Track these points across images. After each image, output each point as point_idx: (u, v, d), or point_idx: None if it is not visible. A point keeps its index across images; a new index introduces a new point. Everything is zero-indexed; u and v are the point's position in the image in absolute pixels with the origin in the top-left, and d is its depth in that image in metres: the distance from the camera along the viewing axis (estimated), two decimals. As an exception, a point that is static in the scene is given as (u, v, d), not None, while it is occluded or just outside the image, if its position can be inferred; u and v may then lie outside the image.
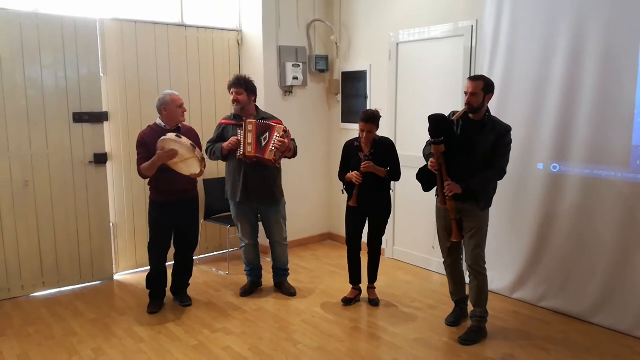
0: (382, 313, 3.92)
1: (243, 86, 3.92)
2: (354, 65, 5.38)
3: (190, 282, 4.17)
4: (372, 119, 3.73)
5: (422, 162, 3.46)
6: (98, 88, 4.42)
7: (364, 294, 4.13)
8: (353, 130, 5.10)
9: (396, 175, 3.86)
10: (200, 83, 5.08)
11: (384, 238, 4.05)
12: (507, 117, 3.57)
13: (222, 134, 4.04)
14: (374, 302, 4.04)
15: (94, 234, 4.49)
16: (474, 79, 3.26)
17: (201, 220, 4.55)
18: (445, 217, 3.44)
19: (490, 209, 3.41)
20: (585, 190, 3.63)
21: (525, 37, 3.85)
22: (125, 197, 4.71)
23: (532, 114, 3.85)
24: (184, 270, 4.08)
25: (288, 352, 3.31)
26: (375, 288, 4.12)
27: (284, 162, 4.05)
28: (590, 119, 3.55)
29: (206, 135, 4.40)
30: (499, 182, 3.40)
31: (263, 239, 4.40)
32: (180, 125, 3.81)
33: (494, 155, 3.25)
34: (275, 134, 3.81)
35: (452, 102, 4.21)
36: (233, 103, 3.96)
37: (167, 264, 3.97)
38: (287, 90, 5.32)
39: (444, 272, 3.74)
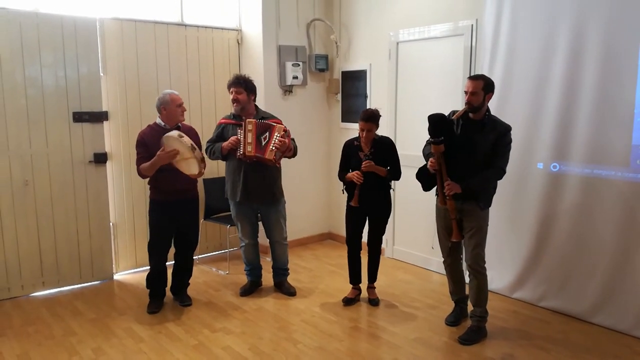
0: (382, 313, 3.92)
1: (242, 85, 3.92)
2: (354, 64, 5.38)
3: (190, 281, 4.17)
4: (371, 118, 3.72)
5: (422, 162, 3.45)
6: (98, 87, 4.41)
7: (364, 293, 4.13)
8: (353, 129, 5.10)
9: (396, 174, 3.86)
10: (200, 82, 5.08)
11: (383, 237, 4.05)
12: (507, 117, 3.57)
13: (221, 133, 4.04)
14: (373, 301, 4.04)
15: (93, 234, 4.49)
16: (474, 78, 3.26)
17: (201, 220, 4.55)
18: (445, 216, 3.44)
19: (490, 208, 3.40)
20: (585, 189, 3.62)
21: (525, 37, 3.85)
22: (125, 196, 4.70)
23: (532, 114, 3.85)
24: (184, 269, 4.08)
25: (288, 352, 3.31)
26: (375, 288, 4.12)
27: (284, 162, 4.05)
28: (590, 119, 3.55)
29: (206, 134, 4.40)
30: (498, 182, 3.40)
31: (263, 239, 4.39)
32: (180, 124, 3.81)
33: (494, 154, 3.25)
34: (276, 134, 3.81)
35: (452, 102, 4.21)
36: (233, 102, 3.96)
37: (167, 263, 3.97)
38: (287, 90, 5.31)
39: (444, 272, 3.74)
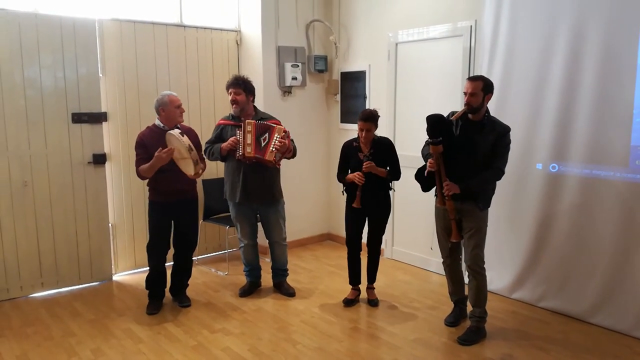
0: (382, 313, 3.92)
1: (241, 86, 3.92)
2: (353, 65, 5.38)
3: (189, 282, 4.17)
4: (370, 117, 3.73)
5: (421, 162, 3.46)
6: (97, 88, 4.41)
7: (363, 294, 4.13)
8: (352, 130, 5.10)
9: (396, 175, 3.86)
10: (199, 83, 5.08)
11: (383, 238, 4.05)
12: (506, 117, 3.57)
13: (220, 134, 4.04)
14: (373, 302, 4.04)
15: (92, 235, 4.49)
16: (473, 79, 3.26)
17: (200, 221, 4.55)
18: (444, 217, 3.44)
19: (489, 209, 3.40)
20: (584, 190, 3.63)
21: (525, 37, 3.85)
22: (124, 197, 4.70)
23: (531, 114, 3.85)
24: (183, 270, 4.08)
25: (287, 353, 3.30)
26: (374, 288, 4.12)
27: (283, 163, 4.05)
28: (589, 119, 3.55)
29: (205, 135, 4.40)
30: (498, 182, 3.40)
31: (262, 240, 4.39)
32: (179, 125, 3.81)
33: (493, 155, 3.25)
34: (276, 135, 3.81)
35: (451, 102, 4.21)
36: (231, 103, 3.96)
37: (166, 264, 3.97)
38: (286, 91, 5.31)
39: (443, 272, 3.73)
